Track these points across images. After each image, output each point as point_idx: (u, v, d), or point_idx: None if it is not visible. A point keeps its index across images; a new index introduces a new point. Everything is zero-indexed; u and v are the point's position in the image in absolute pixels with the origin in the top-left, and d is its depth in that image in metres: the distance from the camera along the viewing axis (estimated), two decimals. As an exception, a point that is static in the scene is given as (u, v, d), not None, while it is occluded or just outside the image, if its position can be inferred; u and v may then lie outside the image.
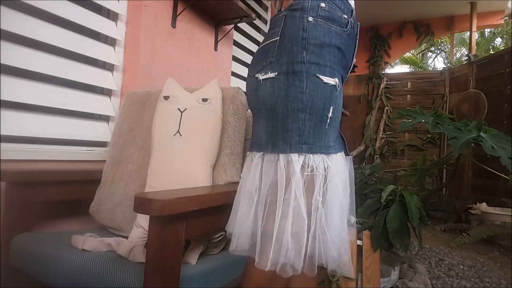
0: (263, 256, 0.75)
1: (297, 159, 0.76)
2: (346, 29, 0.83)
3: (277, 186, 0.76)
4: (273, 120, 0.79)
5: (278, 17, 0.84)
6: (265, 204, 0.78)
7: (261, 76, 0.81)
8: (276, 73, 0.78)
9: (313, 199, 0.76)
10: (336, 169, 0.79)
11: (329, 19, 0.80)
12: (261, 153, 0.81)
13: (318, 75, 0.77)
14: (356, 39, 0.90)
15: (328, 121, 0.78)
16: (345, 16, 0.83)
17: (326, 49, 0.79)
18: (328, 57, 0.79)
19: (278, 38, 0.80)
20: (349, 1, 0.88)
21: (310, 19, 0.79)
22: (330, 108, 0.78)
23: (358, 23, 0.92)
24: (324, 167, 0.77)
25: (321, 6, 0.80)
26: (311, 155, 0.77)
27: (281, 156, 0.77)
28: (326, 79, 0.77)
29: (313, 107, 0.77)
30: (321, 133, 0.78)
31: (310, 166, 0.76)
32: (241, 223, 0.80)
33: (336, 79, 0.80)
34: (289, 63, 0.78)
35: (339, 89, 0.81)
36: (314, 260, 0.76)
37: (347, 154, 0.89)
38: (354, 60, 0.92)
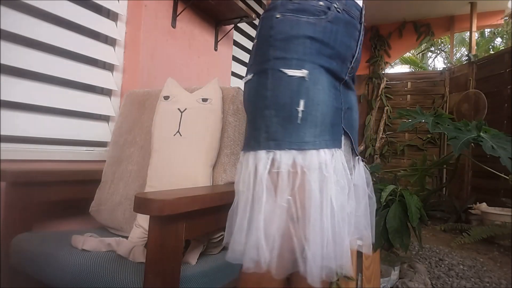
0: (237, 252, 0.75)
1: (264, 156, 0.74)
2: (324, 16, 0.78)
3: (249, 185, 0.75)
4: (248, 121, 0.82)
5: (259, 20, 0.86)
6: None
7: (244, 80, 0.84)
8: (252, 75, 0.80)
9: (278, 198, 0.72)
10: (315, 167, 0.72)
11: (299, 11, 0.77)
12: (242, 152, 0.83)
13: (281, 69, 0.74)
14: (358, 24, 0.84)
15: (300, 115, 0.73)
16: (321, 3, 0.78)
17: (293, 42, 0.76)
18: (295, 49, 0.75)
19: (256, 40, 0.83)
20: None
21: (278, 15, 0.78)
22: (299, 101, 0.73)
23: (362, 5, 0.86)
24: (295, 164, 0.72)
25: (291, 0, 0.78)
26: (278, 151, 0.73)
27: (251, 154, 0.76)
28: (291, 72, 0.74)
29: (278, 103, 0.74)
30: (292, 128, 0.73)
31: (278, 163, 0.73)
32: (231, 220, 0.80)
33: (305, 70, 0.74)
34: (260, 62, 0.78)
35: (309, 79, 0.74)
36: (284, 262, 0.71)
37: (355, 154, 0.87)
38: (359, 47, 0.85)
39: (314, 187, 0.72)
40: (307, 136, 0.73)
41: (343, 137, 0.82)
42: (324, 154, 0.74)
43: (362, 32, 0.85)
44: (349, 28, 0.82)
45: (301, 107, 0.73)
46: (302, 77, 0.74)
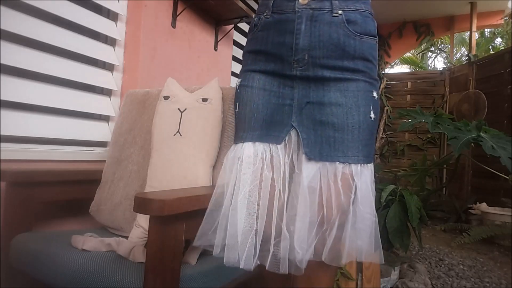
0: None
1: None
2: (255, 29, 0.89)
3: None
4: None
5: None
6: None
7: None
8: None
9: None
10: (248, 159, 0.81)
11: (249, 32, 0.93)
12: None
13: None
14: (292, 14, 0.80)
15: (236, 115, 0.90)
16: (255, 19, 0.90)
17: (243, 61, 0.94)
18: (242, 65, 0.93)
19: None
20: None
21: None
22: (236, 104, 0.90)
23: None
24: (230, 157, 0.84)
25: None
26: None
27: None
28: (237, 84, 0.91)
29: (234, 111, 0.92)
30: (236, 127, 0.91)
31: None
32: None
33: (238, 79, 0.91)
34: None
35: (241, 85, 0.89)
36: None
37: (307, 155, 0.79)
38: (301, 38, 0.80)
39: (247, 179, 0.80)
40: (238, 132, 0.88)
41: (294, 134, 0.83)
42: (246, 148, 0.83)
43: (301, 20, 0.79)
44: (281, 25, 0.82)
45: (237, 109, 0.89)
46: (236, 85, 0.91)
